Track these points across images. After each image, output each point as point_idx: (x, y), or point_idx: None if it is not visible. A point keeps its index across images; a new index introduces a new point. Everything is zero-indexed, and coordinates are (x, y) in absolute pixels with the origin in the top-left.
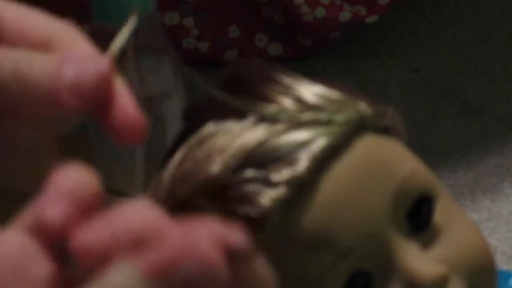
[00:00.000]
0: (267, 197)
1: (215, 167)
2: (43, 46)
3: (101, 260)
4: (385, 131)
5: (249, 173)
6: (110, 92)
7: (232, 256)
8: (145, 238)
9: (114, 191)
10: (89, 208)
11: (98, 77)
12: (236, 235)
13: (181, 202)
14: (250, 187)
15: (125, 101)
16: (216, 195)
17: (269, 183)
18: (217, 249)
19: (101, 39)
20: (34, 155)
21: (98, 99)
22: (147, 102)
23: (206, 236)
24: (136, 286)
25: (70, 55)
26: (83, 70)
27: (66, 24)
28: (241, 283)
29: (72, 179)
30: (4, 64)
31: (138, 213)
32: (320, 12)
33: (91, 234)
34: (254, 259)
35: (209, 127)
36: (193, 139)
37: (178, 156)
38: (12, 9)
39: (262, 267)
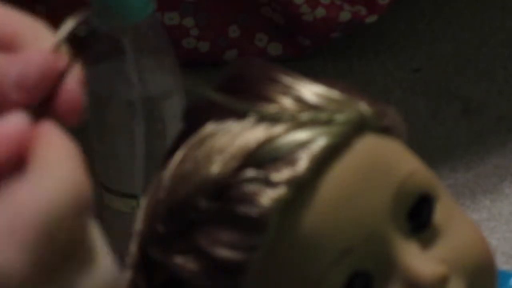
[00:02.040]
0: (267, 197)
1: (215, 167)
2: (4, 45)
3: None
4: (385, 131)
5: (249, 173)
6: (54, 83)
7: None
8: None
9: (114, 191)
10: None
11: (41, 71)
12: None
13: (181, 202)
14: (250, 187)
15: (69, 88)
16: (216, 195)
17: (269, 183)
18: None
19: (101, 39)
20: None
21: (42, 91)
22: (147, 102)
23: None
24: None
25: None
26: (27, 66)
27: (31, 20)
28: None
29: None
30: None
31: None
32: (320, 12)
33: None
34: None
35: (209, 127)
36: (193, 139)
37: (178, 156)
38: None
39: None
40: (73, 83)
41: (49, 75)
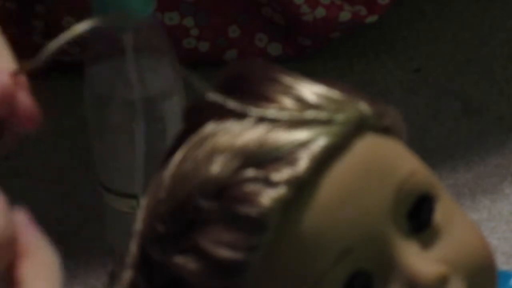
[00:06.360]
0: (267, 197)
1: (215, 167)
2: None
3: None
4: (385, 131)
5: (249, 173)
6: (13, 102)
7: None
8: None
9: (114, 191)
10: None
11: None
12: None
13: (181, 202)
14: (250, 187)
15: (24, 104)
16: (216, 195)
17: (269, 183)
18: None
19: (101, 39)
20: None
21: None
22: (147, 102)
23: None
24: None
25: None
26: None
27: None
28: None
29: None
30: None
31: None
32: (320, 12)
33: None
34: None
35: (209, 127)
36: (193, 139)
37: (178, 156)
38: None
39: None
40: (25, 95)
41: (7, 98)
